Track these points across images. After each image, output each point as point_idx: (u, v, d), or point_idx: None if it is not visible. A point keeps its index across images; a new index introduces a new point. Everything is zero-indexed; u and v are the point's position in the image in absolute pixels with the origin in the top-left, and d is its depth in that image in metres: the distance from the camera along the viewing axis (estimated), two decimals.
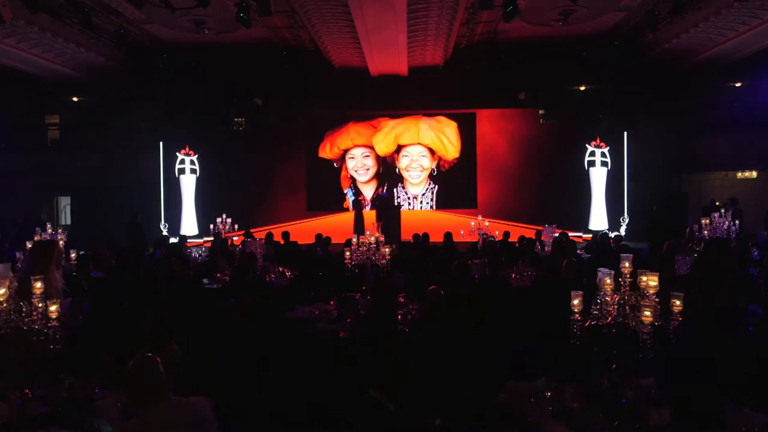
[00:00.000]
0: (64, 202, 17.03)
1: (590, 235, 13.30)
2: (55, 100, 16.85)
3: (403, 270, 7.42)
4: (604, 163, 14.90)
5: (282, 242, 10.52)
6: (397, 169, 15.82)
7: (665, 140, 15.42)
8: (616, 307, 3.38)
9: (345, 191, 15.92)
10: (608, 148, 14.97)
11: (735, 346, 4.05)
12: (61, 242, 7.01)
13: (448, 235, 10.17)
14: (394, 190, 15.88)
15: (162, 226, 15.03)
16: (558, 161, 15.07)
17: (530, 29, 13.23)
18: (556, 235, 10.00)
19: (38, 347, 3.77)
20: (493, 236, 9.72)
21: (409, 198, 15.88)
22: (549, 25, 12.84)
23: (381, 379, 3.19)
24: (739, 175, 15.80)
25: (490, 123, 15.71)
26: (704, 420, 2.55)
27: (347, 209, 15.49)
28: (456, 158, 15.71)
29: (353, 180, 15.95)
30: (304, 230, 13.86)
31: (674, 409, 2.63)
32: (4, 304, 3.38)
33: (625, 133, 15.13)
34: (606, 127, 15.97)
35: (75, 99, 16.89)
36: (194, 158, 15.48)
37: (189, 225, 15.21)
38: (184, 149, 15.41)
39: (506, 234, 10.82)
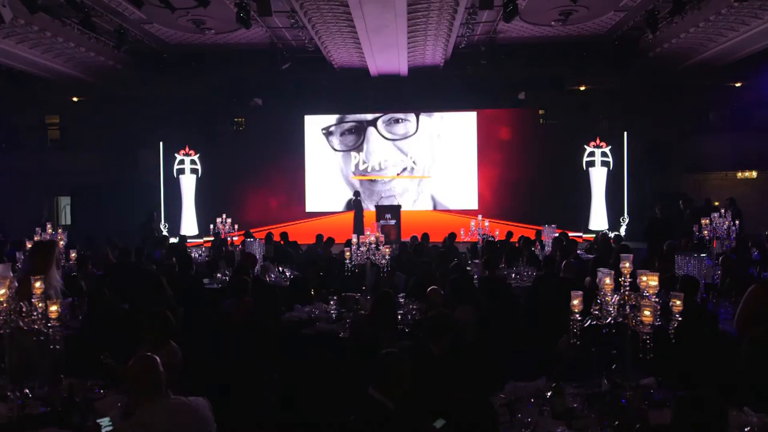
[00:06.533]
0: (64, 202, 17.02)
1: (590, 235, 13.29)
2: (55, 100, 16.84)
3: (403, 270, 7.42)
4: (604, 163, 14.88)
5: (281, 242, 10.52)
6: None
7: (665, 140, 15.40)
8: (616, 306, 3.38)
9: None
10: (608, 148, 14.96)
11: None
12: (61, 242, 7.02)
13: (451, 236, 10.15)
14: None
15: (162, 226, 15.02)
16: (558, 161, 15.05)
17: (530, 29, 13.22)
18: (556, 235, 9.99)
19: (38, 347, 3.77)
20: (492, 236, 9.71)
21: None
22: (549, 26, 12.83)
23: (381, 379, 3.19)
24: (739, 175, 15.78)
25: (490, 123, 15.70)
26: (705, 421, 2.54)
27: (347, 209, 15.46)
28: None
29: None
30: (304, 230, 13.86)
31: (675, 410, 2.62)
32: (4, 304, 3.37)
33: (625, 133, 15.12)
34: (606, 127, 15.95)
35: (75, 99, 16.88)
36: (194, 158, 15.47)
37: (189, 225, 15.20)
38: (184, 149, 15.40)
39: (509, 234, 10.79)
